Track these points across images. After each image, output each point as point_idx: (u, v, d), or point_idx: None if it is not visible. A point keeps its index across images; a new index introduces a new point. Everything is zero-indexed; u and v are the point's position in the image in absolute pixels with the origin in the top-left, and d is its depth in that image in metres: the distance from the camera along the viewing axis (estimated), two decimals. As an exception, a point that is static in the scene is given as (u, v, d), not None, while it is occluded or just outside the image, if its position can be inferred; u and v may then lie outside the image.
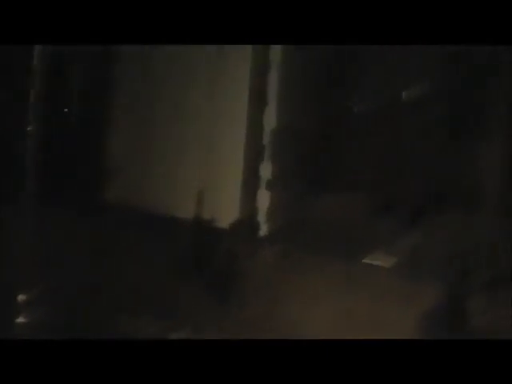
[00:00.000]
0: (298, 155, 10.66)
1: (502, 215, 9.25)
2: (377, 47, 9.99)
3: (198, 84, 11.17)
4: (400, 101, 9.92)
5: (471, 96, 9.81)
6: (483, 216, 9.25)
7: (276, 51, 10.69)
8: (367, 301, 8.86)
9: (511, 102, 9.26)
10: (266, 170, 10.73)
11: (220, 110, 10.99)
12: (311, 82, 10.79)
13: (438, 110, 9.82)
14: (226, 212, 10.67)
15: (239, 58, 10.80)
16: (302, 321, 8.72)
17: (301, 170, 10.69)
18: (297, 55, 10.59)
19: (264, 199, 10.75)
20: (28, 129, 9.65)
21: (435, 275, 9.02)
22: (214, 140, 10.99)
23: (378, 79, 10.23)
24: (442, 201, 9.76)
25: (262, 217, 10.72)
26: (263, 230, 10.68)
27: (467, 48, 9.43)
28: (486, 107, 9.43)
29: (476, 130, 9.61)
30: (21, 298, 8.55)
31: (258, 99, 10.74)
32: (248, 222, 10.62)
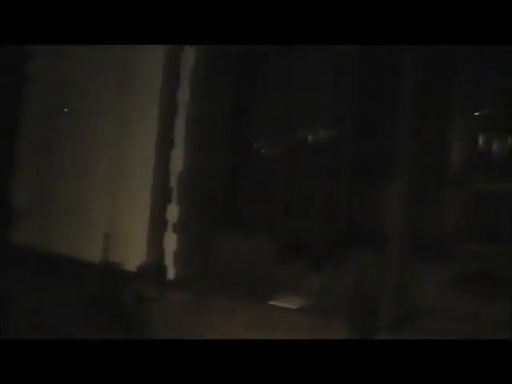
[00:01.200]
0: (204, 197, 10.66)
1: (408, 254, 9.41)
2: (281, 92, 10.26)
3: (106, 126, 11.14)
4: (306, 142, 10.05)
5: (376, 137, 10.03)
6: (389, 255, 9.39)
7: (183, 93, 10.74)
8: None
9: (414, 143, 9.49)
10: (172, 213, 10.69)
11: (127, 151, 10.95)
12: (218, 123, 10.85)
13: (343, 151, 10.01)
14: (133, 255, 10.57)
15: (146, 102, 10.83)
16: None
17: (208, 212, 10.68)
18: (202, 97, 10.66)
19: (171, 242, 10.70)
20: None
21: (343, 314, 9.08)
22: (121, 182, 10.92)
23: (285, 120, 10.35)
24: (347, 241, 9.89)
25: (169, 259, 10.67)
26: (171, 273, 10.62)
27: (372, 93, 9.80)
28: (390, 149, 9.65)
29: (380, 171, 9.82)
30: None
31: (164, 141, 10.73)
32: (155, 264, 10.54)
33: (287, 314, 9.43)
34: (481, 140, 9.14)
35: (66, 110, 11.16)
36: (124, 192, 10.91)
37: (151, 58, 10.80)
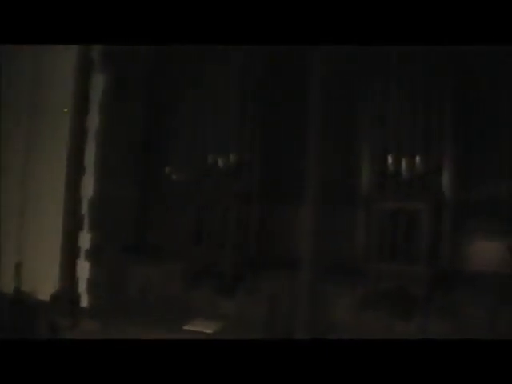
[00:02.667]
0: (116, 224, 10.58)
1: (320, 276, 9.49)
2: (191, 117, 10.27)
3: (15, 151, 10.96)
4: (215, 167, 10.09)
5: (288, 161, 10.13)
6: (301, 278, 9.47)
7: (93, 118, 10.66)
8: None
9: (322, 165, 9.61)
10: (85, 240, 10.58)
11: (37, 178, 10.79)
12: (128, 149, 10.80)
13: (252, 176, 10.10)
14: (45, 283, 10.40)
15: (56, 127, 10.71)
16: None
17: (119, 238, 10.60)
18: (112, 123, 10.60)
19: (84, 269, 10.57)
20: None
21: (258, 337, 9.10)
22: (31, 209, 10.75)
23: (194, 146, 10.36)
24: (259, 265, 9.94)
25: (82, 287, 10.54)
26: (84, 301, 10.48)
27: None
28: (299, 172, 9.75)
29: (290, 194, 9.91)
30: None
31: (75, 167, 10.61)
32: (68, 293, 10.40)
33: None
34: (389, 160, 9.32)
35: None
36: (35, 219, 10.73)
37: (61, 81, 10.70)
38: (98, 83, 10.68)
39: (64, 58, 10.63)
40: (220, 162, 10.09)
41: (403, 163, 9.22)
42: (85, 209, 10.60)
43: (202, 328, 9.47)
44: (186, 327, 9.52)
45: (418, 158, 9.19)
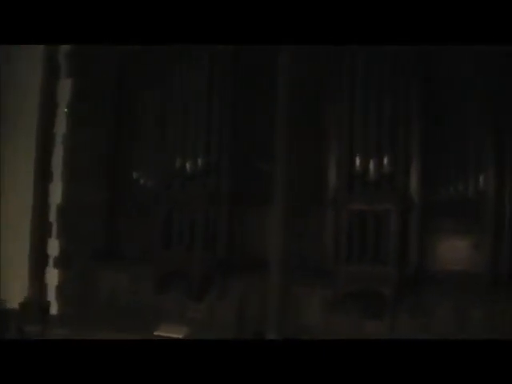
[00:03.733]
0: (84, 230, 10.53)
1: (289, 277, 9.53)
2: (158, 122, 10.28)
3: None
4: (184, 170, 10.11)
5: (256, 163, 10.16)
6: (271, 280, 9.50)
7: (60, 124, 10.61)
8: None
9: (290, 167, 9.65)
10: (53, 247, 10.51)
11: (4, 184, 10.71)
12: (96, 156, 10.75)
13: (222, 179, 10.13)
14: (14, 291, 10.33)
15: (28, 134, 10.63)
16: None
17: (88, 245, 10.55)
18: (81, 127, 10.56)
19: (53, 276, 10.51)
20: None
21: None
22: (1, 218, 10.66)
23: (161, 150, 10.37)
24: (228, 268, 9.96)
25: (51, 294, 10.47)
26: (53, 308, 10.42)
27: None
28: (268, 174, 9.81)
29: (259, 197, 9.96)
30: None
31: (43, 174, 10.55)
32: (37, 300, 10.33)
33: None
34: (357, 161, 9.39)
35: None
36: (3, 226, 10.63)
37: (27, 87, 10.64)
38: (65, 86, 10.62)
39: (30, 61, 10.58)
40: (188, 165, 10.11)
41: (371, 164, 9.33)
42: (53, 215, 10.54)
43: (172, 332, 9.46)
44: (156, 332, 9.50)
45: (385, 159, 9.30)
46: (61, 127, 10.61)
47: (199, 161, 10.04)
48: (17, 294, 10.30)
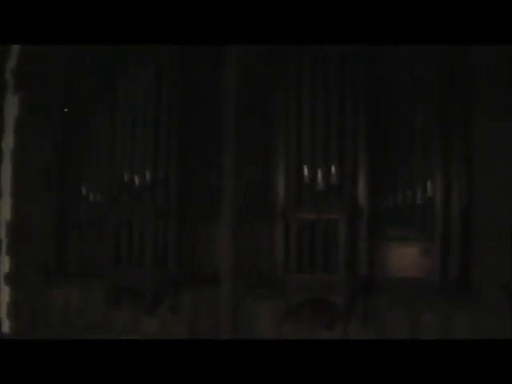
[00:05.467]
0: (35, 247, 10.45)
1: (240, 289, 9.56)
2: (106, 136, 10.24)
3: None
4: (132, 185, 10.13)
5: (204, 176, 10.18)
6: (222, 292, 9.51)
7: (8, 142, 10.53)
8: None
9: (238, 179, 9.68)
10: (4, 264, 10.41)
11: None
12: (45, 171, 10.68)
13: (170, 193, 10.09)
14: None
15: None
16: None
17: (38, 262, 10.47)
18: (27, 146, 10.48)
19: (4, 294, 10.41)
20: None
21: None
22: None
23: (110, 164, 10.37)
24: (180, 282, 9.96)
25: (2, 312, 10.37)
26: (5, 327, 10.32)
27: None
28: (215, 186, 9.84)
29: (207, 209, 9.99)
30: None
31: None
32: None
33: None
34: (305, 171, 9.44)
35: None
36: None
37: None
38: (13, 101, 10.56)
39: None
40: (136, 179, 10.08)
41: (319, 174, 9.39)
42: (3, 232, 10.44)
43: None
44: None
45: (333, 169, 9.37)
46: (8, 142, 10.52)
47: (147, 174, 10.01)
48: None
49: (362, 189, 9.47)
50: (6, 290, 10.41)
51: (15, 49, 10.38)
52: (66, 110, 10.82)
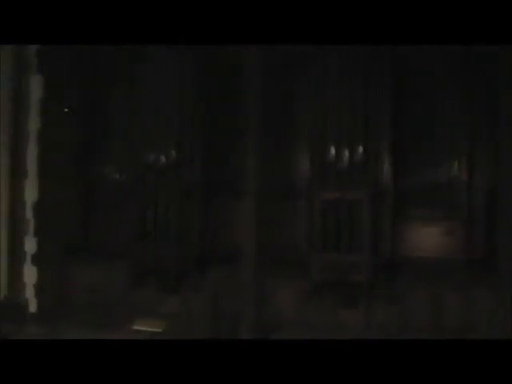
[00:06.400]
0: (60, 227, 10.53)
1: (264, 268, 9.60)
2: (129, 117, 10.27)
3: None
4: (156, 165, 10.14)
5: (228, 156, 10.20)
6: (245, 272, 9.57)
7: (32, 119, 10.59)
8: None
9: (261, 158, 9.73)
10: (30, 245, 10.51)
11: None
12: (69, 152, 10.77)
13: (194, 173, 10.14)
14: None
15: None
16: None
17: (64, 242, 10.55)
18: (53, 124, 10.54)
19: (31, 274, 10.51)
20: None
21: (204, 334, 9.14)
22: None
23: (135, 144, 10.40)
24: (203, 262, 10.00)
25: (30, 292, 10.48)
26: (32, 306, 10.43)
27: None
28: (237, 171, 9.92)
29: (229, 190, 10.02)
30: None
31: (18, 170, 10.54)
32: (15, 298, 10.34)
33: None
34: (327, 151, 9.44)
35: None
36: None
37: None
38: (36, 84, 10.62)
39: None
40: (160, 159, 10.12)
41: (343, 153, 9.38)
42: (29, 213, 10.54)
43: (147, 327, 9.49)
44: (132, 326, 9.51)
45: (357, 148, 9.36)
46: (34, 124, 10.59)
47: (171, 154, 10.06)
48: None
49: (386, 168, 9.45)
50: (34, 270, 10.53)
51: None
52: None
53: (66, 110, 10.85)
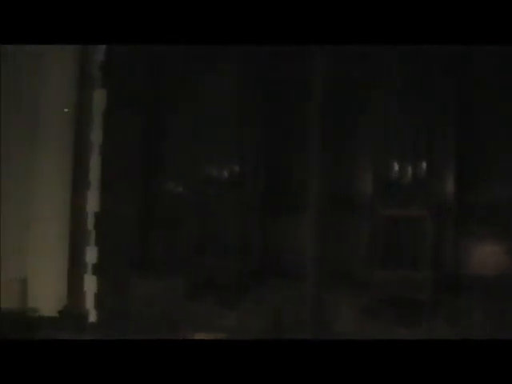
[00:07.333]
0: (121, 238, 10.60)
1: (323, 283, 9.57)
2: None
3: (19, 167, 10.96)
4: (218, 179, 10.20)
5: (286, 173, 10.20)
6: (304, 286, 9.57)
7: (97, 134, 10.75)
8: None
9: (322, 173, 9.71)
10: (91, 255, 10.63)
11: (42, 193, 10.83)
12: (131, 165, 10.85)
13: (254, 187, 10.12)
14: (52, 299, 10.44)
15: (62, 138, 10.78)
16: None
17: (124, 253, 10.62)
18: (115, 137, 10.67)
19: (91, 284, 10.62)
20: None
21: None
22: (37, 225, 10.77)
23: (193, 158, 10.46)
24: (262, 276, 10.00)
25: (89, 302, 10.58)
26: (91, 316, 10.53)
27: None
28: (299, 185, 9.90)
29: (290, 207, 10.01)
30: None
31: (81, 181, 10.69)
32: (75, 307, 10.45)
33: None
34: (390, 166, 9.40)
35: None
36: (40, 234, 10.75)
37: (63, 98, 10.81)
38: (100, 97, 10.78)
39: (63, 72, 10.77)
40: (222, 174, 10.14)
41: (406, 169, 9.33)
42: (91, 224, 10.66)
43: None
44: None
45: (420, 164, 9.29)
46: (97, 135, 10.74)
47: (233, 169, 10.10)
48: (54, 302, 10.44)
49: (449, 185, 9.36)
50: (94, 280, 10.63)
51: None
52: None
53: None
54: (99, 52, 10.83)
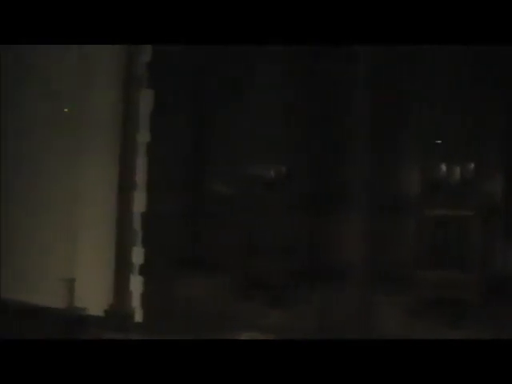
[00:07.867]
0: (168, 238, 10.66)
1: (369, 284, 9.54)
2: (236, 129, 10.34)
3: (67, 168, 11.10)
4: (264, 179, 10.19)
5: (330, 174, 10.17)
6: (350, 287, 9.54)
7: (143, 134, 10.82)
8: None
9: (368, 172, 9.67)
10: (138, 255, 10.70)
11: (89, 193, 10.96)
12: (177, 165, 10.89)
13: (299, 186, 10.08)
14: (99, 299, 10.55)
15: (106, 143, 10.90)
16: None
17: (171, 253, 10.66)
18: (161, 137, 10.73)
19: (137, 284, 10.69)
20: None
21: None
22: (84, 224, 10.90)
23: (241, 158, 10.48)
24: (309, 276, 9.96)
25: (136, 302, 10.65)
26: (138, 316, 10.59)
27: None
28: (345, 185, 9.86)
29: (336, 207, 9.97)
30: None
31: (127, 182, 10.77)
32: (122, 307, 10.52)
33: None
34: (437, 166, 9.33)
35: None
36: (87, 235, 10.88)
37: (109, 99, 10.91)
38: (146, 97, 10.87)
39: (109, 74, 10.89)
40: (268, 174, 10.15)
41: (453, 170, 9.25)
42: (137, 224, 10.73)
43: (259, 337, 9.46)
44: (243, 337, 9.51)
45: (467, 165, 9.20)
46: (143, 135, 10.82)
47: (280, 169, 10.09)
48: (101, 303, 10.53)
49: (497, 186, 9.25)
50: (140, 280, 10.70)
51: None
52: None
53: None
54: (146, 52, 10.90)
